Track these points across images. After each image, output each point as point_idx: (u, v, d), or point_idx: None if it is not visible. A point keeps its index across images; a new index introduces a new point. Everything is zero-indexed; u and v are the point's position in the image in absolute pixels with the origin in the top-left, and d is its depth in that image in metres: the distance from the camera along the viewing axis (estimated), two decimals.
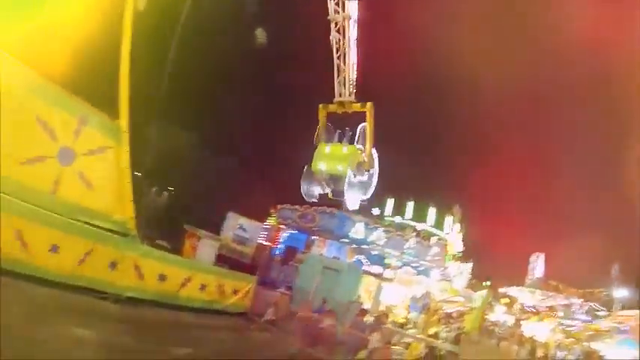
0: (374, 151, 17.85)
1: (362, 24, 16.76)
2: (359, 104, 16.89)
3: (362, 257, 34.72)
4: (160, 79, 18.41)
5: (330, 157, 17.32)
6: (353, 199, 17.85)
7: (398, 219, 42.15)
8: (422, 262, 35.59)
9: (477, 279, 43.38)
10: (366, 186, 17.87)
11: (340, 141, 17.48)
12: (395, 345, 15.84)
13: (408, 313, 27.64)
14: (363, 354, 14.58)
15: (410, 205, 42.44)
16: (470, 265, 42.11)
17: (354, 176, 17.21)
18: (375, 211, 41.01)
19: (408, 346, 16.31)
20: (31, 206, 10.80)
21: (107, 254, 12.23)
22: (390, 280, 32.88)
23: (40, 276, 10.80)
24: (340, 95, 17.38)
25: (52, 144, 11.46)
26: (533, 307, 40.63)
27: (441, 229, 42.28)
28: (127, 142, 12.93)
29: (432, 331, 22.17)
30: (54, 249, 11.14)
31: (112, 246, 12.35)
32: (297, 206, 33.88)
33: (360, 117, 17.26)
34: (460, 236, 42.92)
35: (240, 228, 24.21)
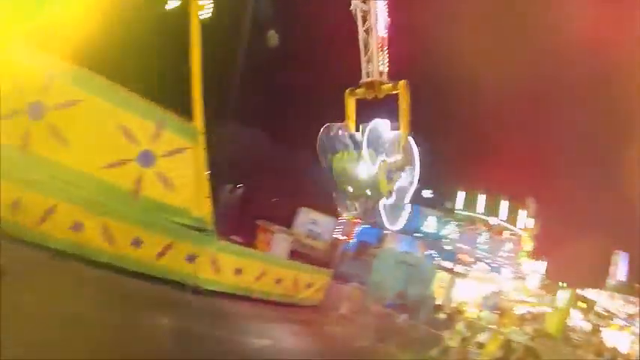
0: (412, 143, 16.06)
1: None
2: (390, 85, 14.99)
3: (433, 252, 34.04)
4: (229, 77, 18.60)
5: (356, 178, 15.86)
6: (392, 220, 16.58)
7: (469, 213, 40.80)
8: (495, 258, 34.36)
9: (551, 279, 40.48)
10: (403, 193, 16.38)
11: (355, 145, 15.85)
12: (469, 344, 15.32)
13: (480, 311, 26.76)
14: (435, 351, 14.19)
15: (481, 198, 41.06)
16: (544, 263, 39.84)
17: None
18: (447, 204, 40.10)
19: (481, 345, 15.70)
20: (116, 205, 11.64)
21: (185, 249, 12.60)
22: (462, 275, 32.00)
23: (122, 266, 11.48)
24: (368, 75, 15.69)
25: (133, 148, 12.15)
26: (613, 313, 37.39)
27: (514, 224, 40.52)
28: (204, 143, 13.28)
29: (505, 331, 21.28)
30: (136, 243, 11.79)
31: (191, 241, 12.72)
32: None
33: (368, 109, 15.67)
34: (534, 232, 40.82)
35: (312, 223, 24.25)
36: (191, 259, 12.70)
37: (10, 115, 10.90)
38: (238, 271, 13.92)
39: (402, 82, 14.66)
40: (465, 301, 27.95)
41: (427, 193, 37.19)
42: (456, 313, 19.44)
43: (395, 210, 16.34)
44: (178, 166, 12.80)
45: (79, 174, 11.47)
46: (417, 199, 32.11)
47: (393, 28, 15.99)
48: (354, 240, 34.37)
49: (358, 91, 15.70)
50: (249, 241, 15.63)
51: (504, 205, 40.34)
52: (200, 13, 13.47)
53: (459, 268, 33.04)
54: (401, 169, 15.55)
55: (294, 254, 19.25)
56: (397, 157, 15.67)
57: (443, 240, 33.19)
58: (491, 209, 40.83)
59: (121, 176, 12.01)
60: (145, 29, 17.07)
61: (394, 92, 15.04)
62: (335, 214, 28.24)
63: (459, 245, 33.64)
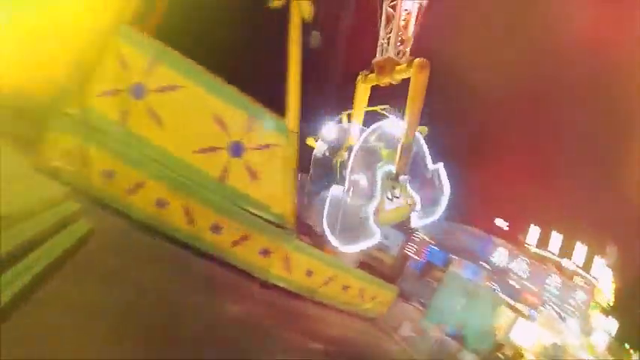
0: (422, 144, 13.76)
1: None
2: (404, 65, 12.55)
3: (498, 285, 32.55)
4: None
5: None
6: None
7: (542, 250, 38.40)
8: (562, 304, 32.20)
9: (619, 341, 35.98)
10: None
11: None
12: None
13: None
14: None
15: (556, 237, 38.51)
16: (615, 324, 36.23)
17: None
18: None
19: None
20: (201, 189, 11.91)
21: (261, 242, 12.63)
22: (526, 316, 30.28)
23: (197, 247, 11.84)
24: (382, 55, 13.11)
25: (225, 137, 12.25)
26: None
27: (589, 271, 37.66)
28: (296, 142, 13.19)
29: None
30: (215, 228, 12.07)
31: (267, 236, 12.69)
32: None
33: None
34: (612, 285, 37.63)
35: (382, 235, 23.68)
36: (265, 253, 12.74)
37: (114, 92, 11.48)
38: (309, 273, 13.81)
39: (416, 61, 11.76)
40: (523, 345, 26.41)
41: (502, 223, 35.75)
42: (517, 356, 18.32)
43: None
44: (266, 161, 12.75)
45: (170, 155, 11.76)
46: (490, 229, 30.86)
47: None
48: (420, 260, 33.58)
49: (371, 75, 13.68)
50: (318, 244, 15.36)
51: (581, 249, 37.70)
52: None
53: (522, 308, 31.36)
54: (395, 179, 13.51)
55: (361, 264, 18.88)
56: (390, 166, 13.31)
57: (510, 274, 31.58)
58: (566, 251, 38.26)
59: (209, 162, 12.15)
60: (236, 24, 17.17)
61: (407, 75, 12.51)
62: (406, 230, 27.63)
63: (525, 283, 31.89)
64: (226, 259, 12.23)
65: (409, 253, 32.32)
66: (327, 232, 13.47)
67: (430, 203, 14.65)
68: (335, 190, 14.08)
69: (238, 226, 12.23)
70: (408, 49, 13.15)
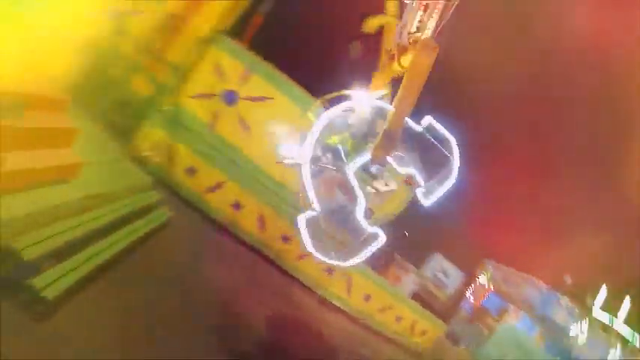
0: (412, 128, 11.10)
1: None
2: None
3: (553, 345, 30.66)
4: None
5: None
6: None
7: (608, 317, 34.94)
8: None
9: None
10: None
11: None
12: None
13: None
14: None
15: (627, 302, 34.56)
16: None
17: None
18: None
19: None
20: (279, 200, 12.04)
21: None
22: None
23: (265, 253, 12.02)
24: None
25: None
26: None
27: None
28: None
29: None
30: (285, 239, 12.12)
31: None
32: (503, 266, 31.05)
33: None
34: None
35: (442, 272, 23.13)
36: (329, 271, 12.69)
37: (207, 95, 11.90)
38: (367, 297, 13.64)
39: (422, 41, 9.41)
40: None
41: (567, 280, 33.65)
42: None
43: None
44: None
45: (252, 163, 12.10)
46: (555, 285, 29.33)
47: None
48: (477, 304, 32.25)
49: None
50: (379, 271, 15.09)
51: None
52: None
53: None
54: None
55: (415, 296, 18.46)
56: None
57: (567, 337, 29.63)
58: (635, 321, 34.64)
59: (291, 176, 12.18)
60: None
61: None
62: (467, 270, 26.70)
63: (583, 351, 29.75)
64: (291, 270, 12.33)
65: (469, 297, 31.15)
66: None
67: (434, 170, 11.66)
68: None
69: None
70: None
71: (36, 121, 5.54)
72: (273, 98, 12.15)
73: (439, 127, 10.78)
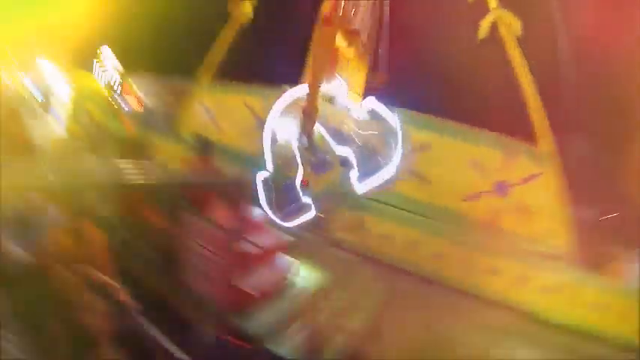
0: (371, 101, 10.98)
1: None
2: None
3: None
4: None
5: None
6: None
7: None
8: None
9: None
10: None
11: None
12: None
13: None
14: None
15: None
16: None
17: None
18: None
19: None
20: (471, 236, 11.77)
21: (542, 279, 11.51)
22: None
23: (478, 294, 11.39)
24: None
25: (487, 180, 12.05)
26: None
27: None
28: (556, 165, 11.95)
29: None
30: (492, 271, 11.52)
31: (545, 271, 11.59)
32: None
33: None
34: None
35: None
36: (547, 291, 11.57)
37: None
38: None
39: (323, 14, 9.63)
40: None
41: None
42: None
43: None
44: (533, 194, 11.93)
45: (440, 209, 12.11)
46: None
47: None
48: None
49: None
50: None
51: None
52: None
53: None
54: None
55: None
56: None
57: None
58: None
59: (478, 208, 12.04)
60: None
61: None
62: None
63: None
64: (505, 302, 11.31)
65: None
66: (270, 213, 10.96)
67: (370, 155, 11.19)
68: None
69: (515, 267, 11.56)
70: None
71: None
72: (435, 142, 12.25)
73: (382, 109, 10.79)
